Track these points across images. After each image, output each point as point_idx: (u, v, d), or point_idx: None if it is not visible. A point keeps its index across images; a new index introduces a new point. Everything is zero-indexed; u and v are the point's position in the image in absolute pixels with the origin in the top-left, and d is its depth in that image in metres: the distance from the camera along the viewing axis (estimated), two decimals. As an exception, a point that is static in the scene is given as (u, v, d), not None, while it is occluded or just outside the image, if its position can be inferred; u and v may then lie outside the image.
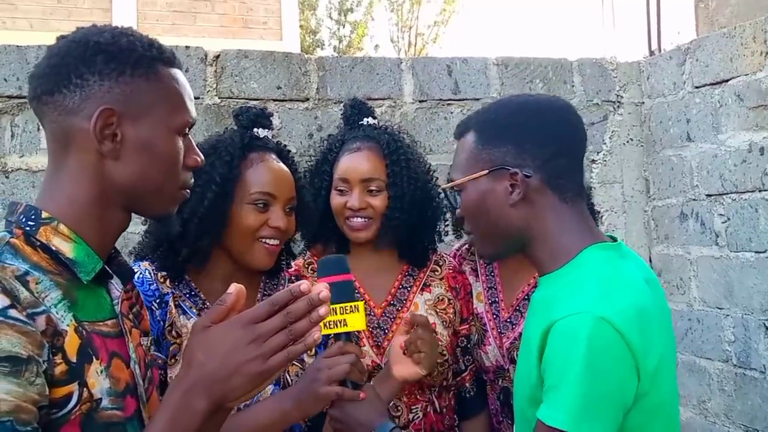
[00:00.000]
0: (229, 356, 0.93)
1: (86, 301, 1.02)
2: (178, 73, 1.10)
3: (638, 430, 1.19)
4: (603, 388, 1.12)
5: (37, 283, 0.95)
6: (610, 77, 3.11)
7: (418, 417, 1.83)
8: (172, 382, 1.01)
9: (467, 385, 1.97)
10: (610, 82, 3.11)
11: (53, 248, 1.00)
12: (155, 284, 1.58)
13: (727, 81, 2.68)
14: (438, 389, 1.87)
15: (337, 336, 1.42)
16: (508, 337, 1.93)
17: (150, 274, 1.59)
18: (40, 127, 1.84)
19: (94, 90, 1.01)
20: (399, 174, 1.83)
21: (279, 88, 2.69)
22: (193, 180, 1.15)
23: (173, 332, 1.56)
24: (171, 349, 1.55)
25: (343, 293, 1.40)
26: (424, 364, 1.59)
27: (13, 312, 0.89)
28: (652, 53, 5.73)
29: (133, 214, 1.12)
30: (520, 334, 1.89)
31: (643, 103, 3.13)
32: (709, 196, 2.80)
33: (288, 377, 1.61)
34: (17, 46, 2.44)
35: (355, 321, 1.39)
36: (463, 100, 2.90)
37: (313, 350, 1.63)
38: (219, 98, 2.63)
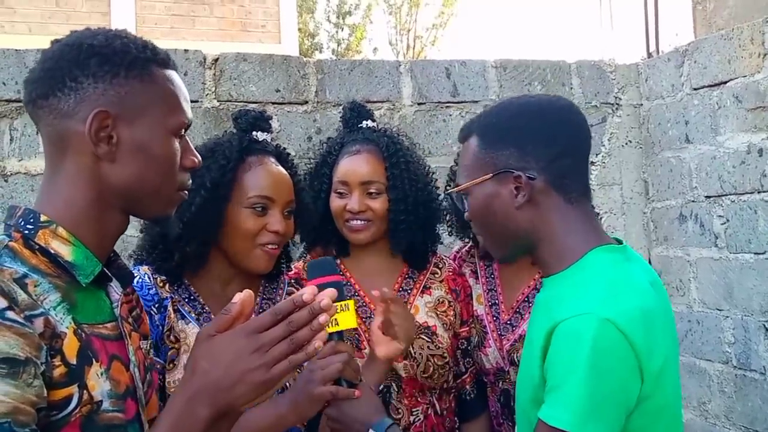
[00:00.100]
0: (233, 365, 0.95)
1: (86, 303, 1.02)
2: (173, 75, 1.10)
3: None
4: (607, 389, 1.12)
5: (35, 286, 0.95)
6: (608, 79, 3.11)
7: (419, 419, 1.82)
8: (175, 388, 1.01)
9: (468, 387, 1.97)
10: (609, 84, 3.11)
11: (52, 251, 1.00)
12: (154, 289, 1.58)
13: (726, 83, 2.68)
14: (439, 391, 1.87)
15: (330, 336, 1.42)
16: (508, 339, 1.93)
17: (149, 278, 1.58)
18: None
19: (89, 93, 1.01)
20: (399, 177, 1.83)
21: (278, 91, 2.69)
22: (190, 181, 1.14)
23: (171, 337, 1.56)
24: (169, 353, 1.54)
25: None
26: (400, 336, 1.56)
27: (10, 314, 0.89)
28: (650, 55, 5.75)
29: (132, 218, 1.12)
30: (520, 336, 1.89)
31: (642, 105, 3.14)
32: (708, 197, 2.80)
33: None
34: (16, 50, 2.44)
35: (347, 320, 1.39)
36: (461, 102, 2.90)
37: None
38: (218, 101, 2.63)
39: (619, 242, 1.33)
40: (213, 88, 2.63)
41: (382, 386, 1.78)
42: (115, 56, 1.03)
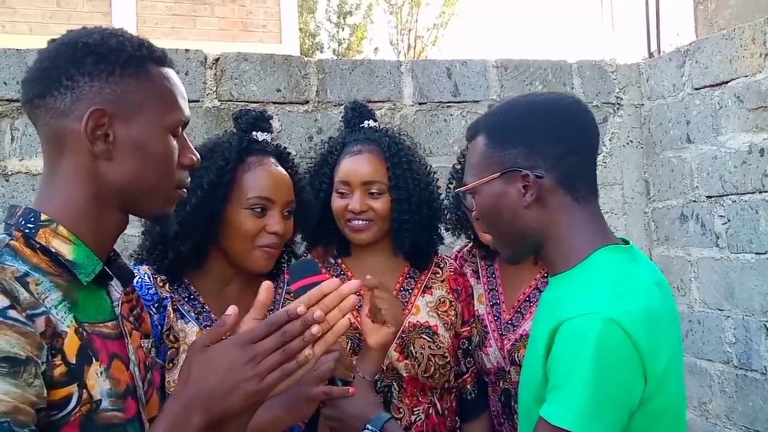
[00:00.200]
0: (227, 374, 0.98)
1: (86, 302, 1.02)
2: (169, 72, 1.09)
3: None
4: (609, 388, 1.12)
5: (36, 285, 0.95)
6: (609, 79, 3.11)
7: (420, 419, 1.82)
8: (171, 395, 1.03)
9: (468, 387, 1.96)
10: (610, 84, 3.11)
11: (53, 250, 1.00)
12: (154, 288, 1.58)
13: (727, 83, 2.68)
14: (440, 391, 1.87)
15: None
16: (509, 339, 1.93)
17: (149, 278, 1.58)
18: (40, 130, 1.83)
19: (85, 91, 1.01)
20: (401, 177, 1.83)
21: (279, 90, 2.69)
22: (189, 179, 1.14)
23: (171, 336, 1.56)
24: (169, 353, 1.54)
25: None
26: (389, 320, 1.55)
27: (12, 312, 0.89)
28: (651, 55, 5.75)
29: (133, 217, 1.12)
30: (521, 335, 1.89)
31: (643, 104, 3.14)
32: (709, 197, 2.80)
33: None
34: (17, 49, 2.44)
35: None
36: (462, 102, 2.90)
37: None
38: (219, 101, 2.63)
39: (626, 242, 1.33)
40: (214, 88, 2.63)
41: (383, 386, 1.79)
42: (111, 54, 1.03)
